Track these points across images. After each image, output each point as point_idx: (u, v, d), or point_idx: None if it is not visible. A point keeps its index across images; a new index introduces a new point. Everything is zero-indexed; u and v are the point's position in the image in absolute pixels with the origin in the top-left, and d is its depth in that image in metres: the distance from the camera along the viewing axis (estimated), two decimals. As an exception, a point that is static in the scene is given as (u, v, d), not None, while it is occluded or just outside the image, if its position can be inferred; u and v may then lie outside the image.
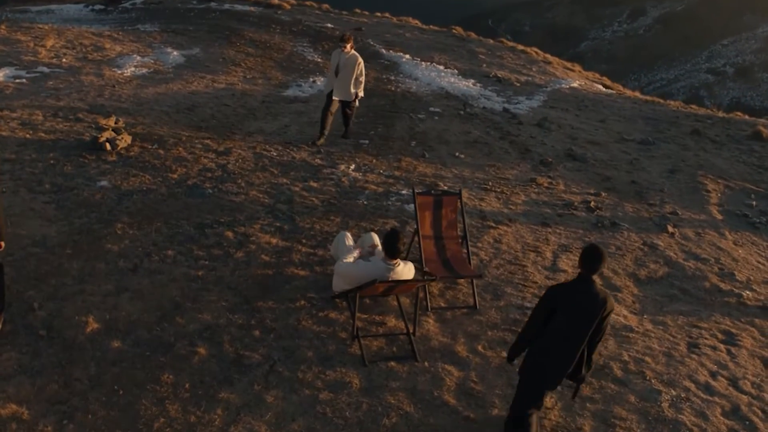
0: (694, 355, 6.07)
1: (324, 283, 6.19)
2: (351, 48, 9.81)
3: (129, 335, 5.28)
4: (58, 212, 6.84)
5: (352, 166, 9.11)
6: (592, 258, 4.50)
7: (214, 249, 6.52)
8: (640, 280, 7.25)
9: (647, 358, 5.89)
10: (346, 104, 10.07)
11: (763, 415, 5.49)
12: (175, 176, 8.01)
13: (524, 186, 9.30)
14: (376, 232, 6.51)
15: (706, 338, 6.37)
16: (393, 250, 5.36)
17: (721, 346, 6.29)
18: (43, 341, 5.10)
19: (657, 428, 5.13)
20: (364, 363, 5.33)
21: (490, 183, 9.22)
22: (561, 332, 4.54)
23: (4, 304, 5.15)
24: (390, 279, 5.40)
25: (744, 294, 7.22)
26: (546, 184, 9.46)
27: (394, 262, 5.42)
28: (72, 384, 4.77)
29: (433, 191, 6.73)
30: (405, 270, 5.54)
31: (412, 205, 8.04)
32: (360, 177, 8.75)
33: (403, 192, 8.39)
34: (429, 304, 6.14)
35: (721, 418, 5.37)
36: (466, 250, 6.58)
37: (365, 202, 7.97)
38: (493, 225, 7.88)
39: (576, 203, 8.91)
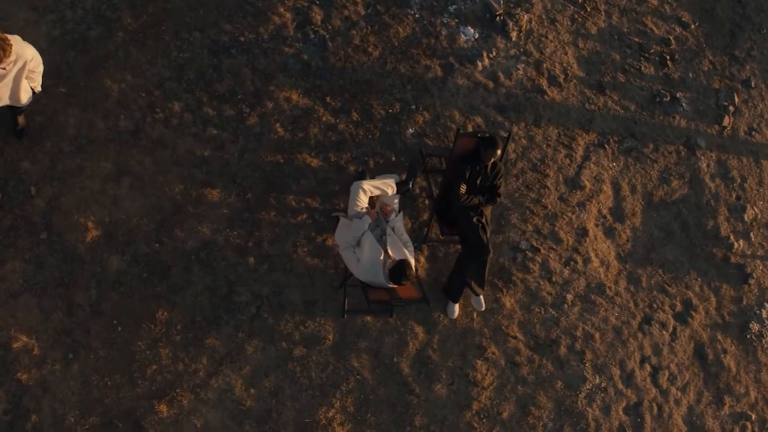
0: (640, 334, 6.68)
1: (333, 182, 5.98)
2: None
3: (128, 248, 5.39)
4: (47, -10, 5.66)
5: None
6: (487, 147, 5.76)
7: (225, 106, 5.85)
8: (651, 204, 7.10)
9: (597, 335, 6.49)
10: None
11: (657, 412, 6.56)
12: None
13: (613, -9, 7.66)
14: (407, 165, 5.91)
15: (664, 310, 6.84)
16: (398, 281, 5.22)
17: (671, 323, 6.82)
18: (44, 247, 5.22)
19: (562, 419, 6.21)
20: (342, 314, 5.78)
21: (576, -23, 7.53)
22: None
23: None
24: (387, 288, 5.42)
25: (735, 245, 7.28)
26: (640, -10, 7.79)
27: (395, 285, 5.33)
28: (75, 311, 5.20)
29: (479, 133, 5.82)
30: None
31: (469, 30, 6.90)
32: (424, -60, 6.98)
33: (465, -6, 6.95)
34: (428, 235, 6.16)
35: (621, 413, 6.43)
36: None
37: (416, 16, 6.68)
38: (545, 86, 6.96)
39: (654, 43, 7.61)
